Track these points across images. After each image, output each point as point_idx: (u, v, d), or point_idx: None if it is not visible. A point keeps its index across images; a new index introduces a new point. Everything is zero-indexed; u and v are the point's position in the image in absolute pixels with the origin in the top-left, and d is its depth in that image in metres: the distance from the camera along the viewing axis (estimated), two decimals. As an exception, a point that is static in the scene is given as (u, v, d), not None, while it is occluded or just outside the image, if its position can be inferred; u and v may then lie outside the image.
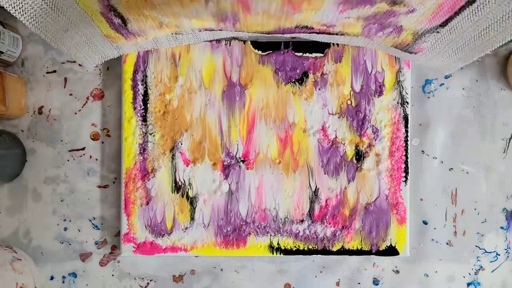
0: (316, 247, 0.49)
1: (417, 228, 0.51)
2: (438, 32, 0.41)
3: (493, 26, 0.37)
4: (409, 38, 0.43)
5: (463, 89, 0.51)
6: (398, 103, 0.49)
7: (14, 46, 0.48)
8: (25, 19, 0.35)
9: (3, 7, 0.48)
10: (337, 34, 0.44)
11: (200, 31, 0.45)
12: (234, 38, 0.49)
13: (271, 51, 0.49)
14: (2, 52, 0.46)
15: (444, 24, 0.40)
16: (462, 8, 0.37)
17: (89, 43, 0.43)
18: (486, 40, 0.39)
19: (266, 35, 0.46)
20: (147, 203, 0.49)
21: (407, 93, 0.49)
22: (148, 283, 0.50)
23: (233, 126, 0.49)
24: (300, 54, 0.49)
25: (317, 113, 0.49)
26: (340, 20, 0.41)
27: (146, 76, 0.49)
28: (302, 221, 0.49)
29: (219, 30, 0.45)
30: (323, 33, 0.44)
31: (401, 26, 0.41)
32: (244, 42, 0.49)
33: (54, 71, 0.50)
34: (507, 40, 0.37)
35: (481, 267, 0.51)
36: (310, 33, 0.45)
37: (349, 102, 0.49)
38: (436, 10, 0.38)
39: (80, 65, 0.50)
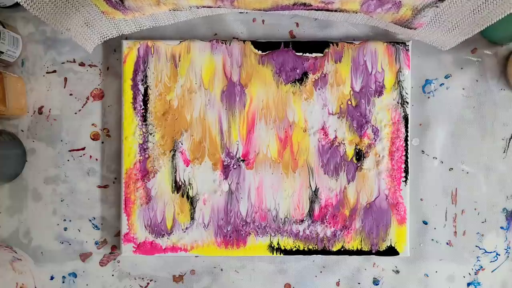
0: (316, 247, 0.49)
1: (417, 228, 0.51)
2: (437, 6, 0.40)
3: None
4: (408, 13, 0.42)
5: (463, 89, 0.51)
6: (398, 103, 0.49)
7: (14, 46, 0.48)
8: (22, 1, 0.35)
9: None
10: (335, 11, 0.44)
11: (198, 8, 0.44)
12: (234, 38, 0.49)
13: (271, 51, 0.49)
14: (2, 52, 0.46)
15: None
16: None
17: (87, 22, 0.43)
18: (486, 13, 0.39)
19: (264, 11, 0.45)
20: (147, 203, 0.49)
21: (407, 93, 0.49)
22: (148, 283, 0.50)
23: (233, 126, 0.49)
24: (300, 54, 0.49)
25: (317, 113, 0.49)
26: None
27: (146, 76, 0.49)
28: (302, 221, 0.49)
29: (217, 7, 0.44)
30: (321, 9, 0.44)
31: (400, 1, 0.41)
32: (244, 42, 0.49)
33: (54, 71, 0.50)
34: (506, 13, 0.37)
35: (481, 267, 0.51)
36: (308, 10, 0.44)
37: (349, 102, 0.49)
38: None
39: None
